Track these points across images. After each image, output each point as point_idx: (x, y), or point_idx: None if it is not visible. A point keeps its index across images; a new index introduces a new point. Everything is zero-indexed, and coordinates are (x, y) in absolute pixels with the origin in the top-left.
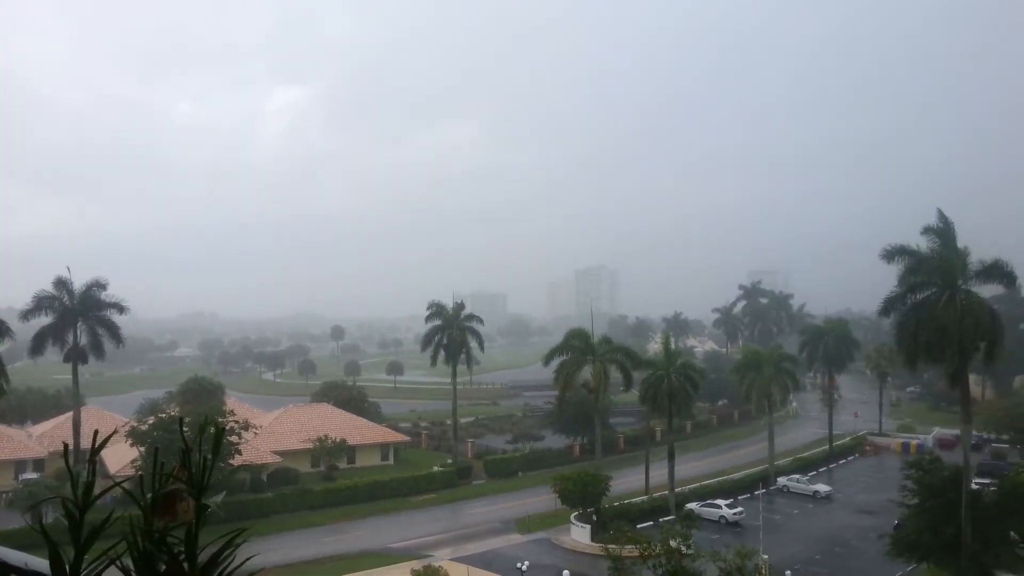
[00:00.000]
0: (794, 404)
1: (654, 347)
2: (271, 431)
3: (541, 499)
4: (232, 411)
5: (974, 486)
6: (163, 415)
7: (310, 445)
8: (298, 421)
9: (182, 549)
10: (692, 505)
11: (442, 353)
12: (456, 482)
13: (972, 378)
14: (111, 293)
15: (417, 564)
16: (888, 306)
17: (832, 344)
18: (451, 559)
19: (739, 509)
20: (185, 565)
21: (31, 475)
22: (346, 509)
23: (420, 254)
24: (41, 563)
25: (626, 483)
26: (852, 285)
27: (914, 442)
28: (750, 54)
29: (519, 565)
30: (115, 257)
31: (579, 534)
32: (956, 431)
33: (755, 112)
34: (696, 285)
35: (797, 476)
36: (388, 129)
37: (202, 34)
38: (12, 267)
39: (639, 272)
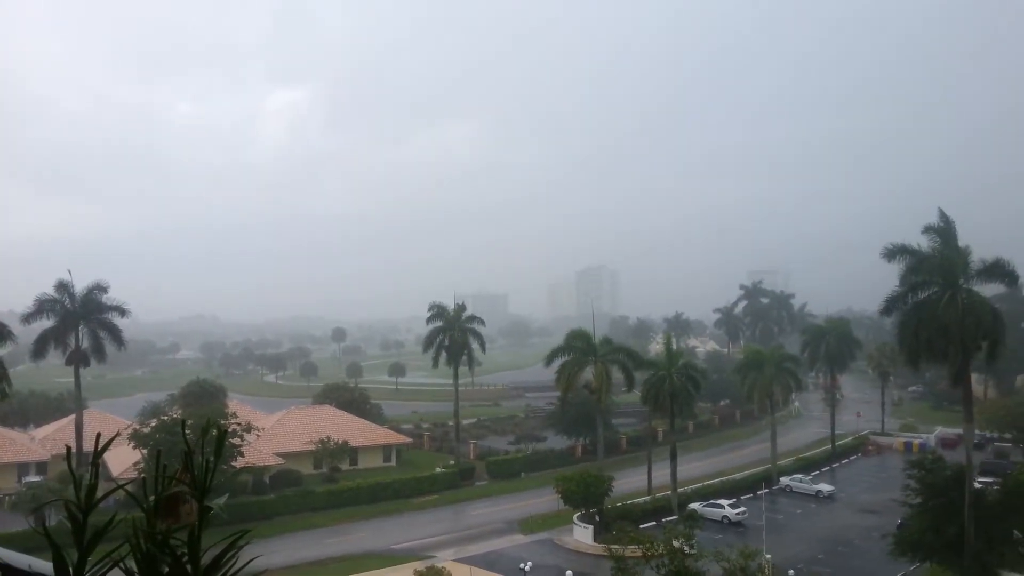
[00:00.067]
0: (796, 404)
1: (655, 347)
2: (273, 433)
3: (544, 500)
4: (234, 413)
5: (977, 485)
6: (165, 417)
7: (312, 447)
8: (300, 423)
9: (185, 551)
10: (695, 505)
11: (444, 354)
12: (458, 483)
13: (974, 377)
14: (112, 296)
15: (420, 565)
16: (890, 305)
17: (834, 344)
18: (454, 560)
19: (742, 509)
20: (188, 567)
21: (34, 478)
22: (349, 511)
23: (420, 254)
24: (45, 565)
25: (628, 483)
26: (853, 285)
27: (916, 441)
28: (750, 54)
29: (522, 566)
30: (115, 258)
31: (582, 535)
32: (958, 430)
33: (755, 112)
34: (697, 285)
35: (800, 476)
36: (388, 129)
37: (202, 34)
38: (12, 269)
39: (640, 272)
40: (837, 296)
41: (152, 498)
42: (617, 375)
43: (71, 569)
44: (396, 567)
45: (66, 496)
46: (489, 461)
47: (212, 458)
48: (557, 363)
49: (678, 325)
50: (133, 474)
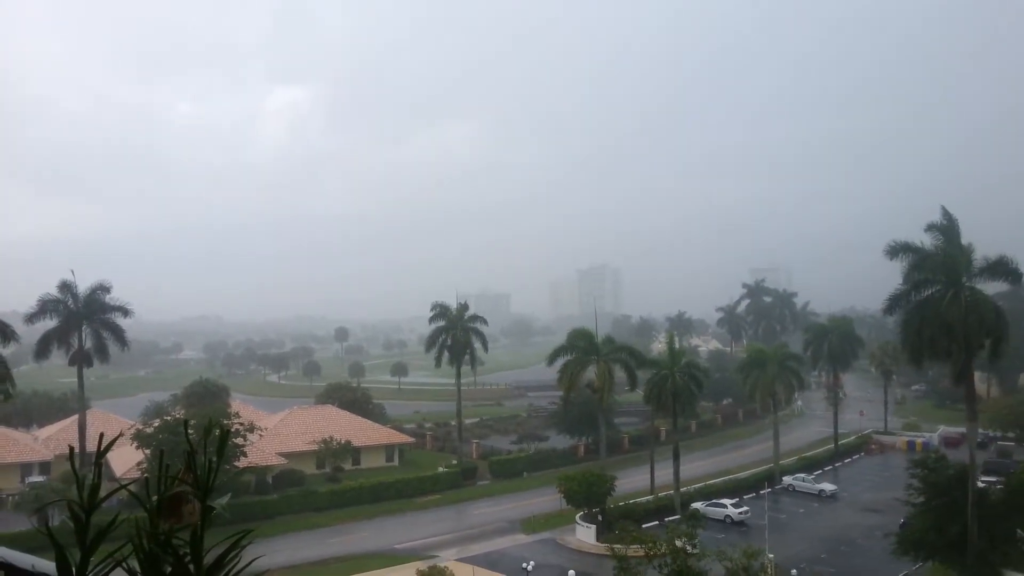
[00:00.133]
0: (799, 403)
1: (658, 346)
2: (276, 433)
3: (546, 499)
4: (237, 413)
5: (980, 484)
6: (168, 418)
7: (315, 447)
8: (303, 423)
9: (188, 551)
10: (697, 504)
11: (446, 354)
12: (461, 483)
13: (977, 375)
14: (115, 296)
15: (422, 565)
16: (892, 304)
17: (836, 342)
18: (456, 559)
19: (744, 508)
20: (191, 567)
21: (37, 478)
22: (351, 510)
23: (421, 254)
24: (48, 565)
25: (631, 483)
26: (855, 283)
27: (919, 440)
28: (750, 54)
29: (524, 565)
30: (115, 258)
31: (584, 534)
32: (962, 429)
33: (755, 112)
34: (699, 284)
35: (802, 475)
36: (388, 129)
37: (202, 34)
38: (12, 269)
39: (642, 272)
40: (839, 295)
41: (155, 498)
42: (620, 374)
43: (74, 569)
44: (398, 567)
45: (69, 496)
46: (491, 461)
47: (215, 458)
48: (559, 362)
49: (681, 324)
50: (136, 474)
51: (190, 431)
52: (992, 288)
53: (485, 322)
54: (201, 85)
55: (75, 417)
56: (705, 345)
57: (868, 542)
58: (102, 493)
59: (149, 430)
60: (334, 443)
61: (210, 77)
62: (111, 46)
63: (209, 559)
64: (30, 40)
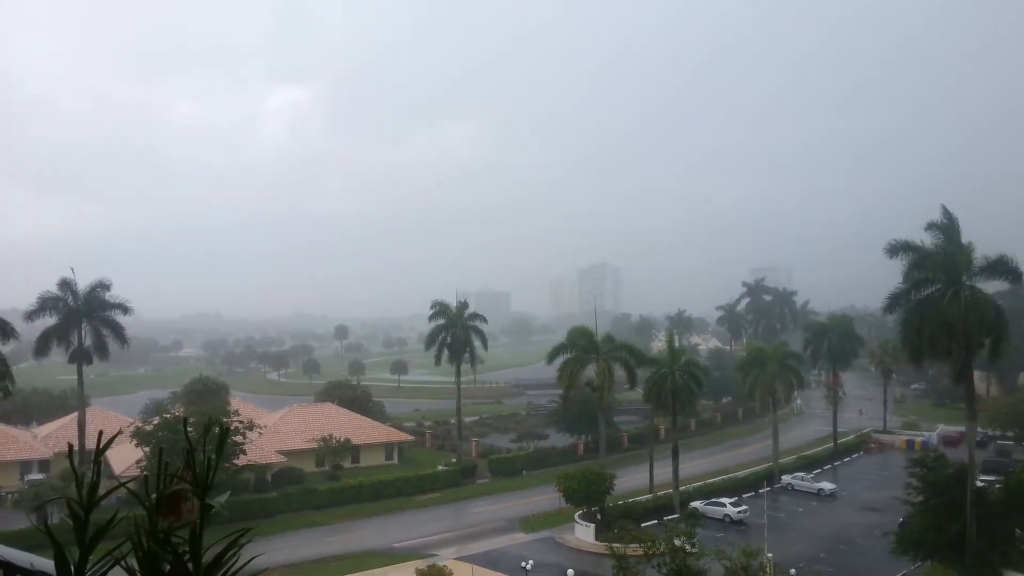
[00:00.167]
0: (798, 401)
1: (658, 345)
2: (276, 431)
3: (545, 498)
4: (236, 411)
5: (979, 483)
6: (168, 415)
7: (314, 445)
8: (302, 421)
9: (186, 549)
10: (696, 503)
11: (446, 352)
12: (460, 481)
13: (977, 374)
14: (115, 294)
15: (421, 563)
16: (893, 302)
17: (836, 341)
18: (455, 558)
19: (743, 507)
20: (189, 565)
21: (36, 476)
22: (350, 508)
23: (421, 254)
24: (46, 563)
25: (630, 481)
26: (855, 282)
27: (919, 439)
28: (750, 54)
29: (523, 564)
30: (115, 258)
31: (583, 533)
32: (961, 428)
33: (755, 112)
34: (699, 283)
35: (802, 474)
36: (388, 129)
37: (202, 34)
38: (13, 268)
39: (642, 271)
40: (839, 294)
41: (154, 496)
42: (619, 373)
43: (73, 567)
44: (398, 565)
45: (68, 494)
46: (491, 459)
47: (214, 456)
48: (559, 361)
49: (680, 322)
50: (135, 472)
51: (189, 429)
52: (992, 287)
53: (485, 320)
54: (201, 85)
55: (74, 415)
56: (705, 344)
57: (867, 541)
58: (101, 491)
59: (148, 428)
60: (333, 441)
61: (210, 77)
62: (111, 46)
63: (208, 557)
64: (30, 40)
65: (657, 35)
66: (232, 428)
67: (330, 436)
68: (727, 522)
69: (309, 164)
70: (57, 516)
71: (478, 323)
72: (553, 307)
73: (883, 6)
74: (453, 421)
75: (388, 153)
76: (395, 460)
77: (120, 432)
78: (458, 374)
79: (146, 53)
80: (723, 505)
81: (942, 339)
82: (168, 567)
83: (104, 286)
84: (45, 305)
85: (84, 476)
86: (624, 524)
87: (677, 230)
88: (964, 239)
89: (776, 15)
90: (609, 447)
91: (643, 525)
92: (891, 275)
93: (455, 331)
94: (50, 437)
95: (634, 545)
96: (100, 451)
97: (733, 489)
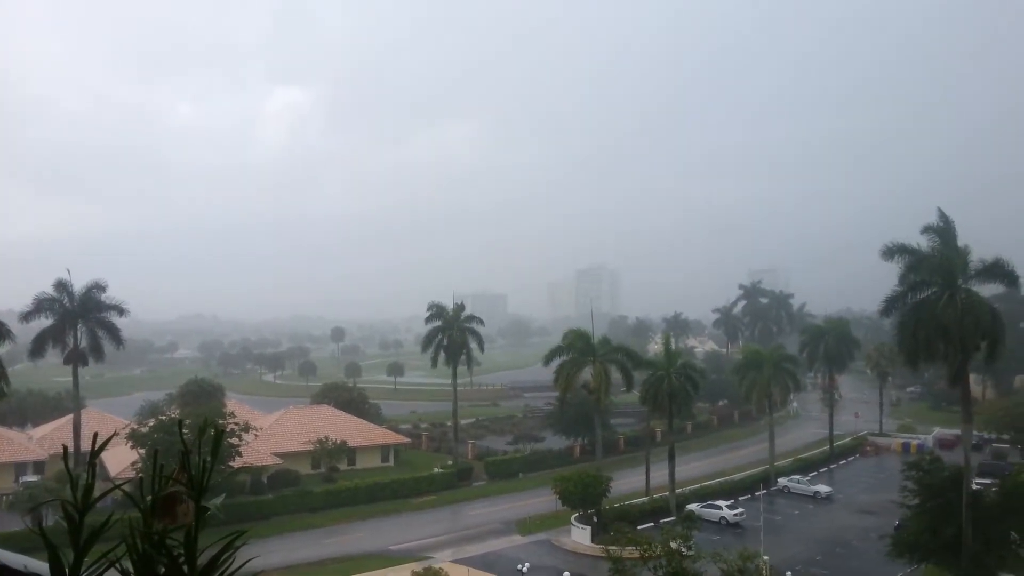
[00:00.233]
0: (794, 404)
1: (654, 347)
2: (271, 433)
3: (542, 500)
4: (232, 413)
5: (975, 486)
6: (163, 417)
7: (310, 447)
8: (298, 423)
9: (182, 551)
10: (693, 506)
11: (442, 354)
12: (456, 484)
13: (973, 378)
14: (111, 295)
15: (417, 566)
16: (889, 305)
17: (832, 344)
18: (452, 561)
19: (740, 510)
20: (185, 567)
21: (31, 478)
22: (346, 511)
23: (420, 254)
24: (41, 566)
25: (627, 484)
26: (852, 285)
27: (915, 442)
28: (750, 54)
29: (520, 567)
30: (114, 258)
31: (580, 535)
32: (957, 431)
33: (755, 112)
34: (696, 285)
35: (798, 477)
36: (388, 129)
37: (202, 34)
38: (11, 269)
39: (639, 272)
40: (836, 296)
41: (149, 498)
42: (616, 375)
43: (67, 569)
44: (394, 568)
45: (63, 496)
46: (487, 461)
47: (209, 458)
48: (556, 363)
49: (677, 325)
50: (130, 474)
51: (185, 431)
52: (988, 290)
53: (482, 322)
54: (201, 85)
55: (70, 416)
56: (701, 346)
57: (863, 544)
58: (96, 493)
59: (144, 430)
60: (329, 443)
61: (210, 77)
62: (111, 46)
63: (203, 560)
64: (30, 40)
65: (657, 35)
66: (228, 430)
67: (326, 438)
68: (723, 525)
69: (309, 164)
70: (52, 518)
71: (475, 325)
72: (550, 309)
73: (883, 6)
74: (449, 423)
75: (388, 153)
76: (391, 462)
77: (115, 434)
78: (454, 376)
79: (146, 53)
80: (719, 508)
81: (938, 342)
82: (163, 569)
83: (100, 287)
84: (41, 306)
85: (79, 478)
86: (620, 527)
87: (676, 230)
88: (963, 240)
89: (776, 15)
90: (605, 449)
91: (639, 528)
92: (888, 277)
93: (452, 333)
94: (45, 439)
95: (630, 548)
96: (95, 453)
97: (729, 492)
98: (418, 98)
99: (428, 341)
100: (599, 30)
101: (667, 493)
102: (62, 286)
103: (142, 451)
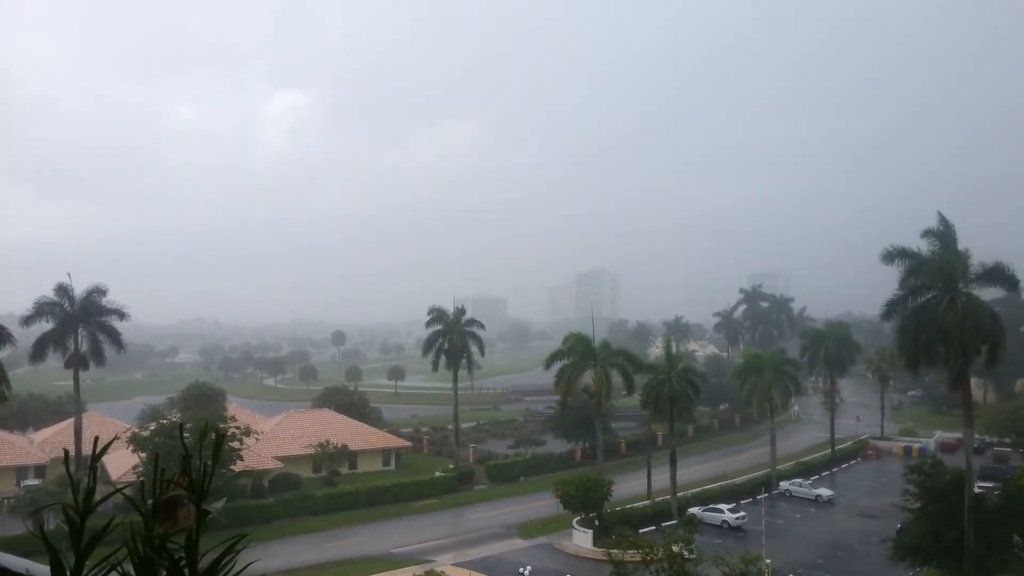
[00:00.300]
0: (796, 408)
1: (655, 351)
2: (272, 437)
3: (543, 504)
4: (233, 417)
5: (977, 490)
6: (164, 421)
7: (312, 451)
8: (299, 427)
9: (183, 555)
10: (694, 510)
11: (443, 358)
12: (458, 487)
13: (974, 381)
14: (112, 299)
15: (419, 569)
16: (890, 309)
17: (833, 348)
18: (453, 564)
19: (741, 513)
20: (186, 571)
21: (33, 481)
22: (348, 514)
23: (420, 256)
24: (42, 569)
25: (628, 488)
26: (853, 288)
27: (916, 446)
28: (750, 54)
29: (521, 570)
30: (114, 260)
31: (581, 539)
32: (958, 435)
33: (755, 112)
34: (697, 289)
35: (799, 480)
36: (388, 129)
37: (202, 34)
38: (11, 271)
39: (640, 276)
40: (837, 300)
41: (150, 502)
42: (617, 379)
43: (68, 573)
44: (395, 571)
45: (64, 500)
46: (488, 465)
47: (210, 462)
48: (557, 367)
49: (678, 329)
50: (132, 478)
51: (186, 435)
52: (989, 294)
53: (482, 326)
54: (201, 86)
55: (71, 420)
56: (702, 350)
57: (865, 548)
58: (97, 497)
59: (145, 433)
60: (330, 447)
61: (210, 78)
62: (111, 46)
63: (204, 563)
64: (30, 40)
65: (657, 35)
66: (229, 434)
67: (327, 442)
68: (725, 528)
69: (308, 165)
70: (53, 522)
71: (475, 329)
72: (550, 313)
73: (883, 6)
74: (450, 427)
75: (388, 154)
76: (392, 466)
77: (116, 438)
78: (455, 380)
79: (146, 53)
80: (721, 511)
81: (939, 346)
82: (164, 573)
83: (100, 291)
84: (42, 310)
85: (80, 482)
86: (622, 530)
87: (676, 230)
88: (962, 241)
89: (776, 15)
90: (607, 453)
91: (641, 531)
92: (889, 281)
93: (452, 337)
94: (46, 442)
95: (632, 551)
96: (96, 457)
97: (731, 495)
98: (418, 98)
99: (429, 345)
100: (599, 30)
101: (668, 496)
102: (63, 290)
103: (143, 455)
